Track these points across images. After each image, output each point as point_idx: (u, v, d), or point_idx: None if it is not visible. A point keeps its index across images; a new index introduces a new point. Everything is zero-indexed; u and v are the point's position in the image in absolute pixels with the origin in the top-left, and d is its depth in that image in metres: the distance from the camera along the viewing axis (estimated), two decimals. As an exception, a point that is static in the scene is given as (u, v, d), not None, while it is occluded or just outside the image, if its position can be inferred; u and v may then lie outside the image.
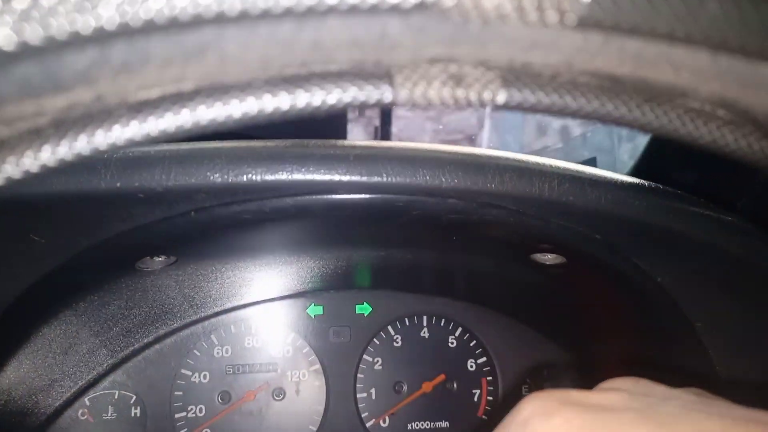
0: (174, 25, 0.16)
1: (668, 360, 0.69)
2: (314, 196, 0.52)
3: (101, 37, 0.16)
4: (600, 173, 0.55)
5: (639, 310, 0.71)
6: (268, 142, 0.54)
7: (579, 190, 0.54)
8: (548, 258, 0.65)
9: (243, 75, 0.22)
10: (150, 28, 0.16)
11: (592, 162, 1.61)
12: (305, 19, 0.18)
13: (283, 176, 0.51)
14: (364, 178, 0.52)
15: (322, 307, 0.87)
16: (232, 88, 0.23)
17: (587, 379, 0.56)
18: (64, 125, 0.21)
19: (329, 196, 0.53)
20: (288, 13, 0.17)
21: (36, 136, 0.22)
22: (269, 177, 0.50)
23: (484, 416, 0.88)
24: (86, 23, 0.15)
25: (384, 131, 2.63)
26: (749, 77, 0.20)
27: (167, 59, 0.18)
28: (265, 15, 0.17)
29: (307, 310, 0.87)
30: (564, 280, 0.70)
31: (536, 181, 0.52)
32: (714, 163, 0.72)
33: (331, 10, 0.17)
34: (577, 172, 0.54)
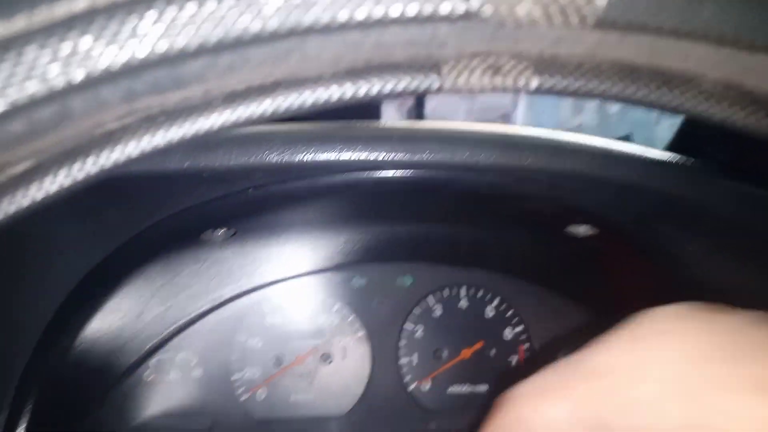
0: (273, 38, 0.21)
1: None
2: (361, 174, 0.57)
3: (218, 48, 0.21)
4: (631, 148, 0.58)
5: (669, 280, 0.73)
6: (319, 124, 0.58)
7: (611, 165, 0.57)
8: (582, 230, 0.68)
9: (316, 70, 0.26)
10: (255, 40, 0.21)
11: (627, 138, 1.61)
12: (372, 28, 0.22)
13: (332, 156, 0.55)
14: (408, 156, 0.56)
15: (365, 279, 0.92)
16: (306, 80, 0.28)
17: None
18: (173, 114, 0.26)
19: (375, 174, 0.57)
20: (360, 24, 0.21)
21: (150, 123, 0.27)
22: (320, 157, 0.55)
23: (523, 376, 0.92)
24: (211, 36, 0.20)
25: (418, 111, 2.65)
26: (748, 64, 0.24)
27: (262, 61, 0.23)
28: (343, 26, 0.21)
29: (352, 282, 0.92)
30: (596, 251, 0.74)
31: (569, 157, 0.56)
32: (749, 138, 0.74)
33: (394, 21, 0.21)
34: (610, 147, 0.57)
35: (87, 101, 0.23)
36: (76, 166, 0.27)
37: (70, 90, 0.22)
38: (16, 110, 0.22)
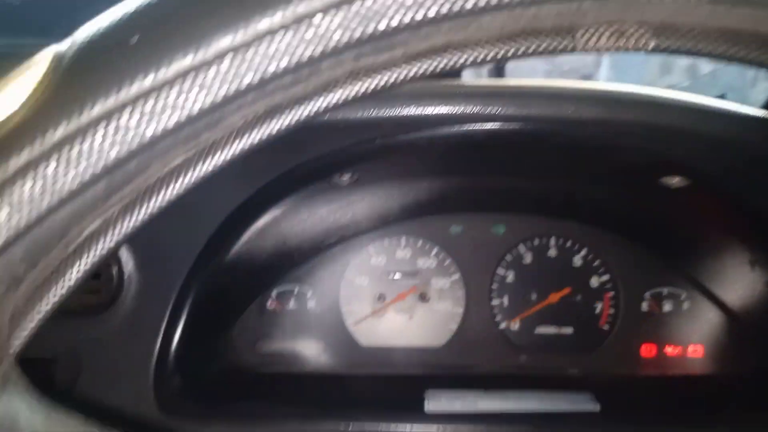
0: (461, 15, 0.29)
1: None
2: (476, 126, 0.65)
3: (420, 24, 0.29)
4: (727, 105, 0.63)
5: (757, 234, 0.78)
6: (437, 83, 0.67)
7: (707, 120, 0.62)
8: (675, 181, 0.73)
9: (481, 35, 0.35)
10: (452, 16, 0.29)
11: (722, 98, 1.59)
12: (533, 4, 0.30)
13: (453, 109, 0.64)
14: (518, 111, 0.63)
15: (462, 226, 1.01)
16: (470, 43, 0.36)
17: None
18: (371, 70, 0.35)
19: (488, 125, 0.65)
20: (524, 3, 0.30)
21: (355, 77, 0.36)
22: (443, 110, 0.64)
23: (605, 326, 0.99)
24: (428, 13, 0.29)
25: (498, 70, 2.66)
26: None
27: (449, 30, 0.31)
28: (513, 4, 0.30)
29: (449, 229, 1.01)
30: (687, 203, 0.79)
31: (667, 112, 0.61)
32: None
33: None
34: (706, 103, 0.62)
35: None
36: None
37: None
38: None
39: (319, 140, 0.68)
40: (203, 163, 0.36)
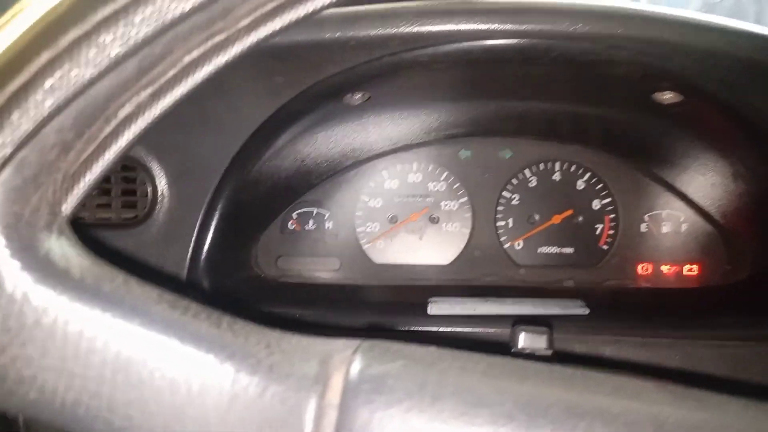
0: None
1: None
2: (476, 42, 0.69)
3: None
4: (716, 18, 0.66)
5: (751, 150, 0.81)
6: (441, 1, 0.71)
7: (697, 34, 0.65)
8: (667, 97, 0.77)
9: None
10: None
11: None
12: None
13: (453, 26, 0.68)
14: (515, 26, 0.67)
15: (470, 151, 1.06)
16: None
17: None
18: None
19: (488, 42, 0.69)
20: None
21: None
22: (444, 27, 0.68)
23: (604, 246, 1.04)
24: None
25: None
26: None
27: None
28: None
29: (459, 153, 1.07)
30: (682, 119, 0.82)
31: (656, 26, 0.65)
32: None
33: None
34: (694, 18, 0.65)
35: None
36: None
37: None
38: None
39: (330, 59, 0.73)
40: (216, 56, 0.41)
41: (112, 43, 0.33)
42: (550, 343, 0.55)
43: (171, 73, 0.38)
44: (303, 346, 0.36)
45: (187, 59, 0.38)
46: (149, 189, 0.87)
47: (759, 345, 0.75)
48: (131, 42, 0.34)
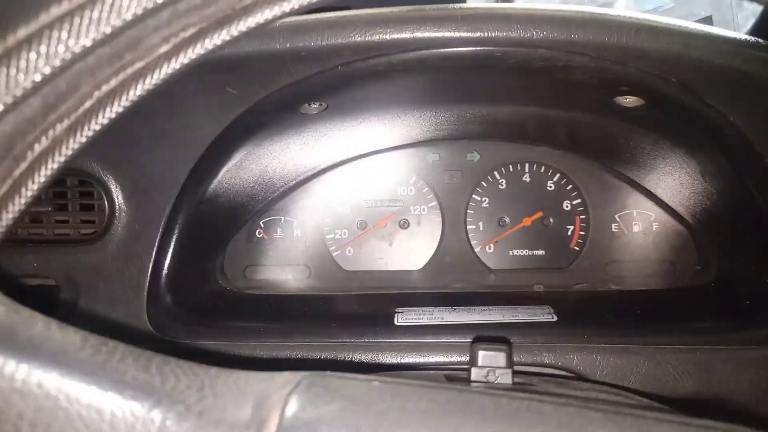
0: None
1: (739, 191, 0.80)
2: (431, 50, 0.68)
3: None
4: (674, 22, 0.65)
5: (713, 152, 0.80)
6: (396, 9, 0.69)
7: (653, 37, 0.64)
8: (629, 101, 0.76)
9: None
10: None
11: (708, 21, 1.57)
12: None
13: (406, 35, 0.66)
14: (469, 34, 0.66)
15: (438, 155, 1.05)
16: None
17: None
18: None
19: (442, 50, 0.68)
20: None
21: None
22: (396, 35, 0.66)
23: (575, 247, 1.03)
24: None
25: None
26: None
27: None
28: None
29: (426, 157, 1.05)
30: (645, 123, 0.81)
31: (614, 31, 0.63)
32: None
33: None
34: (652, 21, 0.64)
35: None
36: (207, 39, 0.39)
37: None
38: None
39: (283, 70, 0.71)
40: (136, 84, 0.39)
41: (8, 84, 0.31)
42: (509, 361, 0.54)
43: (86, 105, 0.36)
44: (239, 385, 0.35)
45: (102, 90, 0.36)
46: (106, 204, 0.85)
47: (727, 350, 0.74)
48: (30, 81, 0.32)
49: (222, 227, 0.98)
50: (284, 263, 1.06)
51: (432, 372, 0.70)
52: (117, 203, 0.84)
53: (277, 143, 0.89)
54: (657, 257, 1.00)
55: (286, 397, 0.34)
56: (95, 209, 0.88)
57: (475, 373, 0.54)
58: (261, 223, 1.06)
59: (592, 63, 0.67)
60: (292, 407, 0.34)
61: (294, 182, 1.01)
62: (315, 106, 0.81)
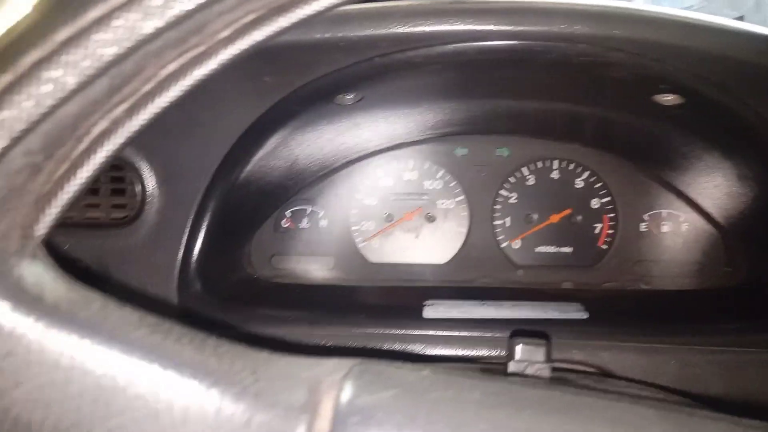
0: None
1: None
2: (470, 44, 0.67)
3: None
4: (715, 20, 0.64)
5: (753, 153, 0.79)
6: (433, 0, 0.69)
7: (693, 35, 0.63)
8: (668, 99, 0.75)
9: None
10: None
11: (739, 20, 1.55)
12: None
13: (446, 27, 0.66)
14: (510, 28, 0.66)
15: (467, 149, 1.04)
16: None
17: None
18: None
19: (482, 43, 0.67)
20: None
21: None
22: (435, 27, 0.66)
23: (603, 246, 1.03)
24: None
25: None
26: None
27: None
28: None
29: (455, 151, 1.05)
30: (682, 121, 0.80)
31: (653, 27, 0.63)
32: None
33: None
34: (693, 19, 0.63)
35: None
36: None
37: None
38: None
39: (320, 60, 0.71)
40: (195, 69, 0.39)
41: (80, 64, 0.31)
42: (548, 355, 0.54)
43: (146, 88, 0.36)
44: (291, 370, 0.35)
45: (163, 73, 0.37)
46: (138, 189, 0.86)
47: (756, 352, 0.73)
48: (100, 61, 0.32)
49: (250, 216, 0.98)
50: (310, 253, 1.07)
51: (466, 365, 0.70)
52: (149, 189, 0.85)
53: (310, 133, 0.89)
54: (685, 258, 0.99)
55: (339, 382, 0.35)
56: (126, 194, 0.89)
57: (513, 367, 0.54)
58: (287, 212, 1.06)
59: (631, 60, 0.67)
60: (347, 393, 0.34)
61: (322, 173, 1.01)
62: (350, 96, 0.81)
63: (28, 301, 0.33)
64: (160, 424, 0.32)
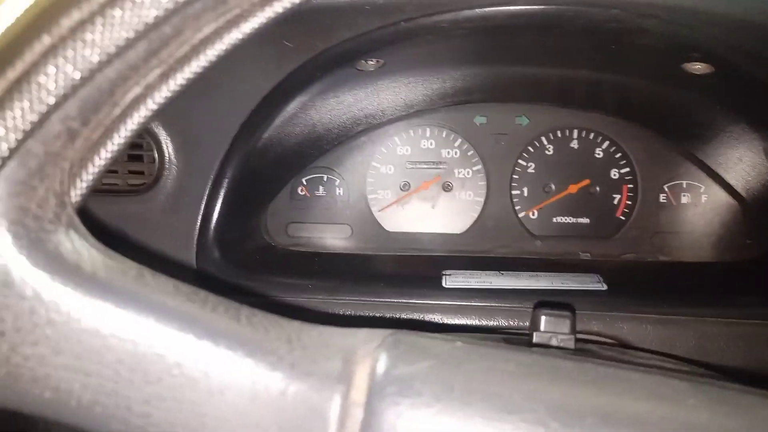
0: None
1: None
2: (499, 8, 0.66)
3: None
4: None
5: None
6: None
7: (729, 2, 0.61)
8: (698, 68, 0.73)
9: None
10: None
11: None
12: None
13: (474, -10, 0.64)
14: (540, -8, 0.64)
15: (486, 117, 1.03)
16: None
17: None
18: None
19: (510, 7, 0.66)
20: None
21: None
22: (464, -9, 0.64)
23: (621, 217, 1.02)
24: None
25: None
26: None
27: None
28: None
29: (474, 119, 1.03)
30: (709, 91, 0.79)
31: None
32: None
33: None
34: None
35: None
36: None
37: None
38: None
39: (344, 24, 0.70)
40: (231, 32, 0.39)
41: (120, 27, 0.30)
42: (573, 327, 0.54)
43: (181, 52, 0.36)
44: (324, 339, 0.35)
45: (198, 37, 0.36)
46: (156, 155, 0.85)
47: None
48: (140, 25, 0.31)
49: (268, 183, 0.98)
50: (326, 221, 1.07)
51: (491, 335, 0.70)
52: (167, 154, 0.84)
53: (330, 99, 0.88)
54: (705, 230, 0.99)
55: (374, 352, 0.34)
56: (144, 160, 0.88)
57: (537, 338, 0.54)
58: (304, 180, 1.06)
59: (663, 27, 0.65)
60: (383, 363, 0.34)
61: (340, 140, 1.00)
62: (372, 62, 0.80)
63: (67, 270, 0.33)
64: (197, 392, 0.33)
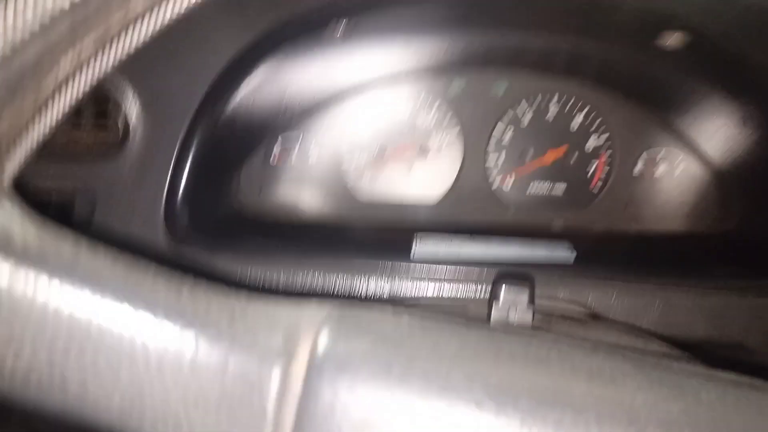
0: None
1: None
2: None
3: None
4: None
5: (760, 97, 0.77)
6: None
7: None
8: (673, 39, 0.71)
9: None
10: None
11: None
12: None
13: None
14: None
15: (464, 81, 1.01)
16: None
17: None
18: None
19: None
20: None
21: None
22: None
23: (597, 186, 1.01)
24: None
25: None
26: None
27: None
28: None
29: (452, 83, 1.01)
30: (687, 60, 0.77)
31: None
32: None
33: None
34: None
35: None
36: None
37: None
38: None
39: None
40: (163, 11, 0.36)
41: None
42: (532, 297, 0.54)
43: (116, 18, 0.34)
44: (269, 312, 0.34)
45: (131, 15, 0.34)
46: (122, 116, 0.83)
47: (740, 296, 0.74)
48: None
49: (238, 149, 0.96)
50: (299, 189, 1.05)
51: (452, 304, 0.70)
52: (133, 116, 0.82)
53: (299, 65, 0.85)
54: (678, 201, 0.98)
55: (316, 328, 0.34)
56: (109, 122, 0.86)
57: (496, 308, 0.54)
58: (276, 147, 1.04)
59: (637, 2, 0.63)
60: (323, 340, 0.33)
61: (312, 106, 0.98)
62: (342, 25, 0.77)
63: (-3, 242, 0.32)
64: (135, 366, 0.32)
